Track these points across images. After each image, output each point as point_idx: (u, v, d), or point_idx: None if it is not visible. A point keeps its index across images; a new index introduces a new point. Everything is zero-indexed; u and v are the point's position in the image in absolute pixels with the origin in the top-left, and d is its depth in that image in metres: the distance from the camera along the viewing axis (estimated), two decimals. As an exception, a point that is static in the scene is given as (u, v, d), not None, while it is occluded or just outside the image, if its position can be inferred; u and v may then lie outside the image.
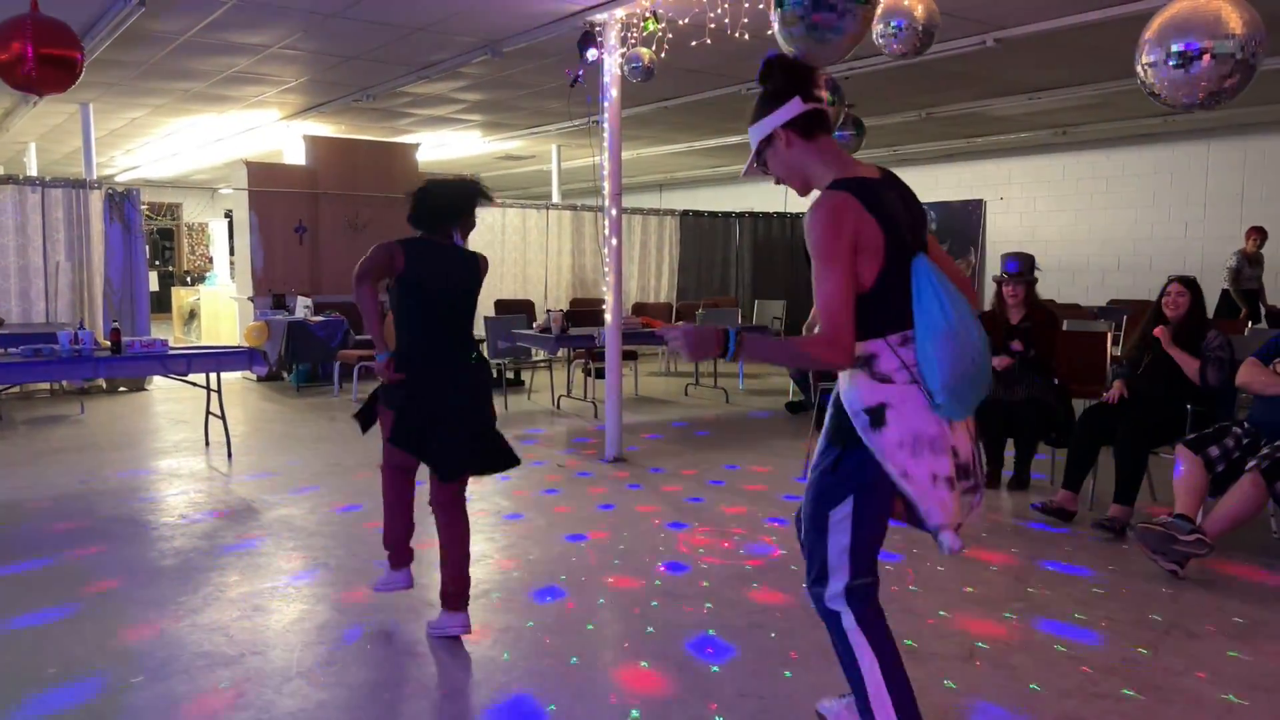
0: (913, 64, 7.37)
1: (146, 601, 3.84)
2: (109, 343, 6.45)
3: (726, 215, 14.76)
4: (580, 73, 6.26)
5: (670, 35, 5.74)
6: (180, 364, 6.38)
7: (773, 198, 16.87)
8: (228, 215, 19.05)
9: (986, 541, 4.71)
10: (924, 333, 2.10)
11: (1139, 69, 3.33)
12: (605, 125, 6.30)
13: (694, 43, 5.68)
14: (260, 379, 10.52)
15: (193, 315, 14.18)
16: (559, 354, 8.57)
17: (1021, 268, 5.92)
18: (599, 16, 6.11)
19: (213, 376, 6.68)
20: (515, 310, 11.44)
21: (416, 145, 11.99)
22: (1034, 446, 5.84)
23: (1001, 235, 14.01)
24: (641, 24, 5.75)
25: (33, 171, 12.97)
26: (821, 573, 2.26)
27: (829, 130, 2.22)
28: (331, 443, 7.21)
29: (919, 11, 4.32)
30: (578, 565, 4.32)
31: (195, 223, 21.13)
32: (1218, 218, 11.56)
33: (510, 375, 9.58)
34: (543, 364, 9.47)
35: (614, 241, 6.49)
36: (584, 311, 9.98)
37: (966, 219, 14.38)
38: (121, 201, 9.83)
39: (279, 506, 5.35)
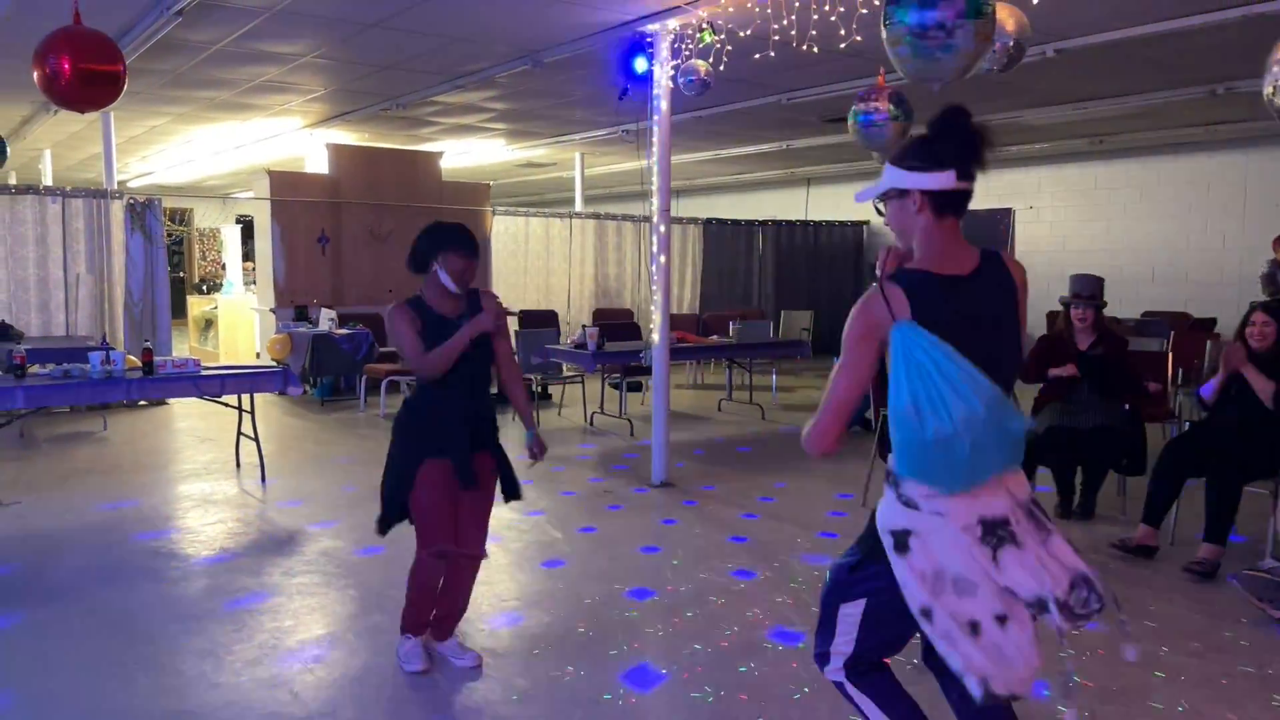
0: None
1: (199, 651, 3.62)
2: (139, 362, 6.25)
3: (749, 223, 14.55)
4: (629, 85, 6.04)
5: (729, 47, 5.53)
6: (214, 385, 6.17)
7: (794, 205, 16.67)
8: (240, 221, 18.86)
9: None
10: (891, 414, 1.97)
11: (1268, 87, 3.11)
12: (654, 138, 6.09)
13: (757, 55, 5.47)
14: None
15: (209, 324, 13.96)
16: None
17: (1091, 290, 5.68)
18: (650, 27, 5.90)
19: (245, 396, 6.48)
20: (539, 321, 11.24)
21: (440, 154, 11.78)
22: (1103, 476, 5.62)
23: (1031, 245, 13.77)
24: (697, 35, 5.53)
25: (48, 179, 12.77)
26: (824, 651, 2.20)
27: (960, 214, 2.05)
28: (365, 465, 6.99)
29: (1010, 25, 4.10)
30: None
31: (207, 228, 20.92)
32: (1258, 229, 11.31)
33: (538, 390, 9.37)
34: (574, 379, 9.24)
35: (663, 259, 6.27)
36: (617, 325, 9.76)
37: (994, 228, 14.17)
38: (143, 212, 9.62)
39: (322, 538, 5.14)
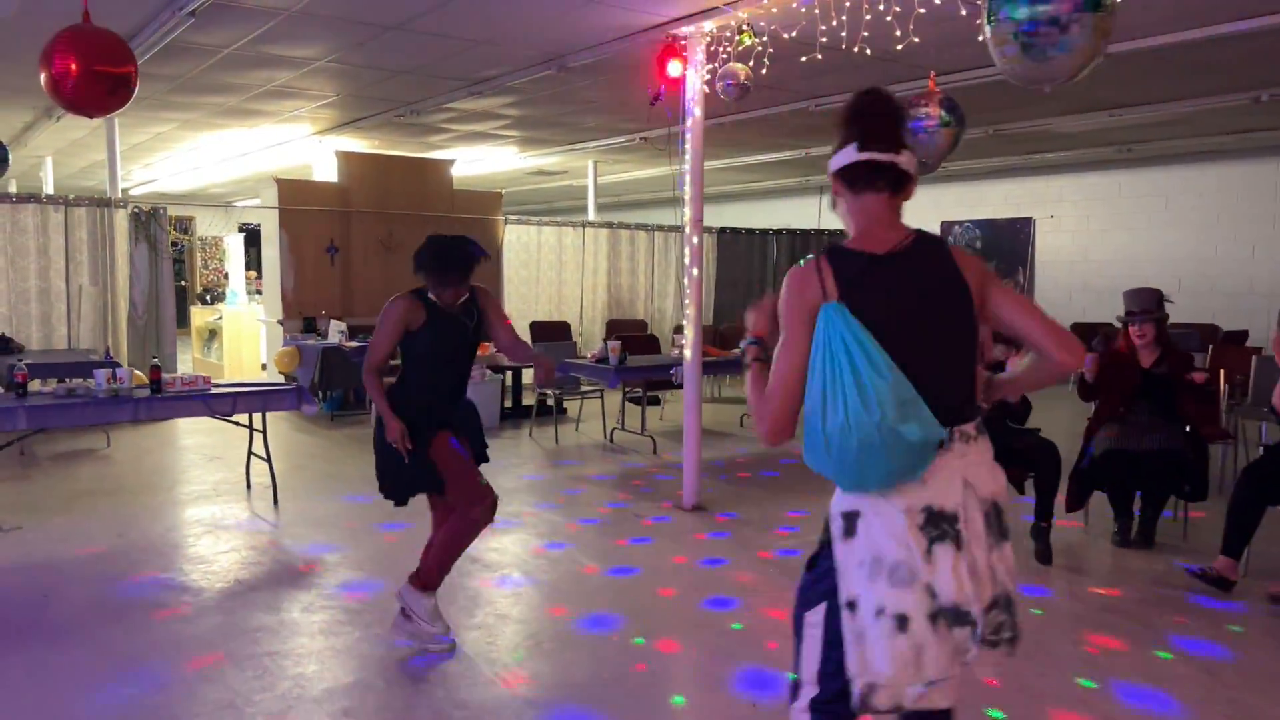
0: (995, 80, 6.91)
1: (217, 704, 3.32)
2: (146, 379, 5.96)
3: (763, 232, 14.29)
4: (662, 90, 5.76)
5: (771, 50, 5.26)
6: (226, 404, 5.88)
7: (807, 213, 16.42)
8: (243, 229, 18.59)
9: (1131, 612, 4.20)
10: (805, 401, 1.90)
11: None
12: (687, 145, 5.81)
13: (804, 58, 5.20)
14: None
15: (213, 335, 13.67)
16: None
17: (1148, 304, 5.40)
18: (684, 30, 5.62)
19: (256, 415, 6.19)
20: (553, 333, 10.96)
21: (452, 161, 11.51)
22: (1164, 502, 5.33)
23: (1052, 254, 13.53)
24: (737, 38, 5.26)
25: (50, 186, 12.50)
26: (796, 680, 2.03)
27: (878, 187, 1.96)
28: (381, 485, 6.70)
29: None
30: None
31: (209, 237, 20.64)
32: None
33: (551, 404, 9.09)
34: (592, 394, 8.95)
35: (695, 271, 5.99)
36: (636, 338, 9.48)
37: (1015, 237, 13.93)
38: (148, 220, 9.35)
39: (340, 568, 4.84)
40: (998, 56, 2.87)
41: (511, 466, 7.33)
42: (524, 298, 11.96)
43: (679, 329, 11.67)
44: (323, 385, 9.41)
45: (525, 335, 11.49)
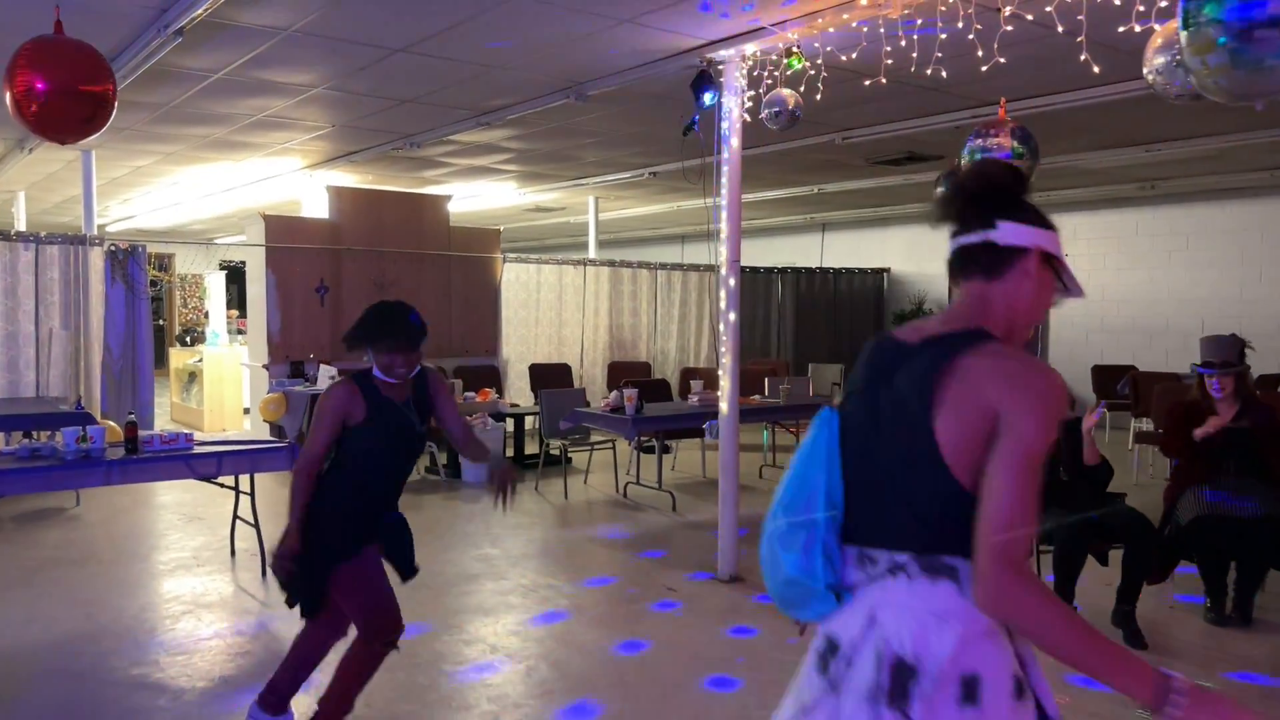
0: (1039, 110, 6.48)
1: None
2: (121, 433, 5.34)
3: (768, 270, 13.83)
4: (697, 119, 5.27)
5: (825, 74, 4.77)
6: (209, 465, 5.26)
7: (809, 251, 15.98)
8: (224, 267, 17.97)
9: (1261, 709, 3.64)
10: None
11: None
12: (724, 181, 5.31)
13: (867, 82, 4.72)
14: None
15: (192, 379, 12.99)
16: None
17: (1227, 355, 4.89)
18: (724, 53, 5.14)
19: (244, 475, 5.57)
20: (555, 377, 10.40)
21: (448, 197, 10.98)
22: (1263, 574, 4.80)
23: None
24: (785, 61, 4.77)
25: (21, 223, 11.85)
26: None
27: (953, 275, 1.68)
28: (381, 551, 6.08)
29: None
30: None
31: (189, 275, 19.98)
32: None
33: (557, 453, 8.50)
34: (603, 444, 8.35)
35: (732, 317, 5.46)
36: (648, 383, 8.92)
37: (1027, 276, 13.50)
38: (125, 259, 8.74)
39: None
40: (1197, 67, 2.37)
41: (521, 527, 6.73)
42: (523, 339, 11.41)
43: (690, 372, 11.17)
44: (312, 435, 8.77)
45: (524, 379, 10.97)
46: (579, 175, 10.52)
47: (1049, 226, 1.64)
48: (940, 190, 1.62)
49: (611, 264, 12.20)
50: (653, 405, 7.68)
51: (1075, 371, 11.40)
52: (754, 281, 13.54)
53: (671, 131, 7.49)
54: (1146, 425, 9.43)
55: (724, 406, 5.48)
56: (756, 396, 8.69)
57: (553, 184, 11.07)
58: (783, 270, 13.97)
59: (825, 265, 15.05)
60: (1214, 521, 4.64)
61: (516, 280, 11.40)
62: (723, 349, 5.46)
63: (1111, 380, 10.80)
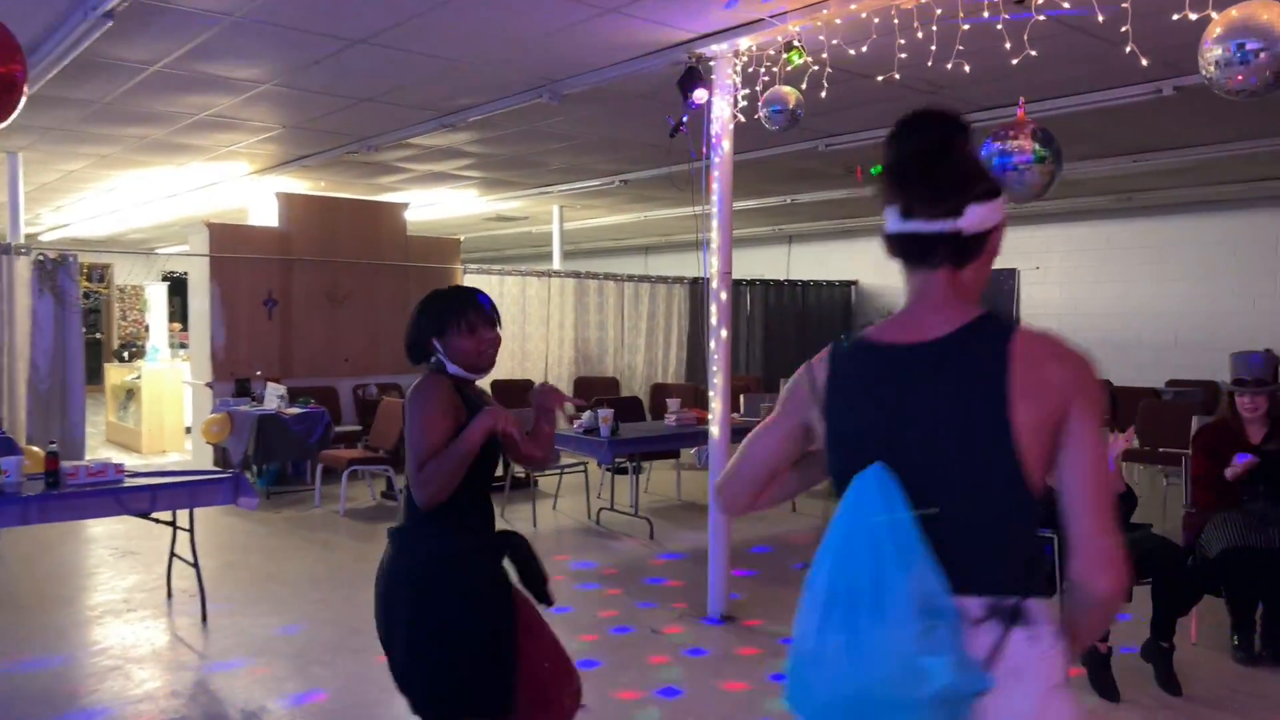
0: (1036, 116, 6.16)
1: None
2: (43, 463, 4.75)
3: (736, 282, 13.44)
4: (685, 120, 4.85)
5: (830, 70, 4.37)
6: (142, 500, 4.69)
7: (775, 263, 15.67)
8: (167, 278, 17.16)
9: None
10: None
11: None
12: (716, 186, 4.90)
13: (880, 77, 4.34)
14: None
15: (130, 396, 12.24)
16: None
17: (1262, 373, 4.59)
18: (715, 48, 4.72)
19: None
20: (516, 392, 9.91)
21: (405, 205, 10.45)
22: (1296, 606, 4.48)
23: (1038, 308, 12.95)
24: (784, 57, 4.37)
25: (-57, 231, 11.07)
26: None
27: (932, 262, 1.46)
28: (334, 588, 5.55)
29: (1281, 30, 3.00)
30: None
31: (128, 286, 19.09)
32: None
33: (523, 475, 8.01)
34: (573, 469, 7.86)
35: (724, 333, 5.04)
36: (622, 402, 8.46)
37: (998, 289, 13.33)
38: (54, 270, 8.08)
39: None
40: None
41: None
42: (484, 354, 10.89)
43: (662, 389, 10.74)
44: (258, 459, 8.18)
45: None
46: (544, 183, 10.06)
47: (999, 187, 1.47)
48: (886, 170, 1.39)
49: (577, 275, 11.75)
50: (627, 425, 7.24)
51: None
52: (722, 294, 13.16)
53: (648, 136, 7.09)
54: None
55: (715, 430, 5.04)
56: (735, 414, 8.26)
57: (516, 192, 10.59)
58: (751, 282, 13.63)
59: (794, 278, 14.74)
60: (1246, 554, 4.31)
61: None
62: (714, 367, 5.03)
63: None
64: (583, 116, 6.71)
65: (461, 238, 11.18)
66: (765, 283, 13.90)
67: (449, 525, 2.38)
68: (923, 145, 1.44)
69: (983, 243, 1.45)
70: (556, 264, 12.30)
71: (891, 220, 1.46)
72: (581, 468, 7.76)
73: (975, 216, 1.42)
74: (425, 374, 2.44)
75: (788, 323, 14.02)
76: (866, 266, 14.84)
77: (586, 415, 7.00)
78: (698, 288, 12.85)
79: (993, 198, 1.44)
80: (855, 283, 14.92)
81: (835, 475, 1.47)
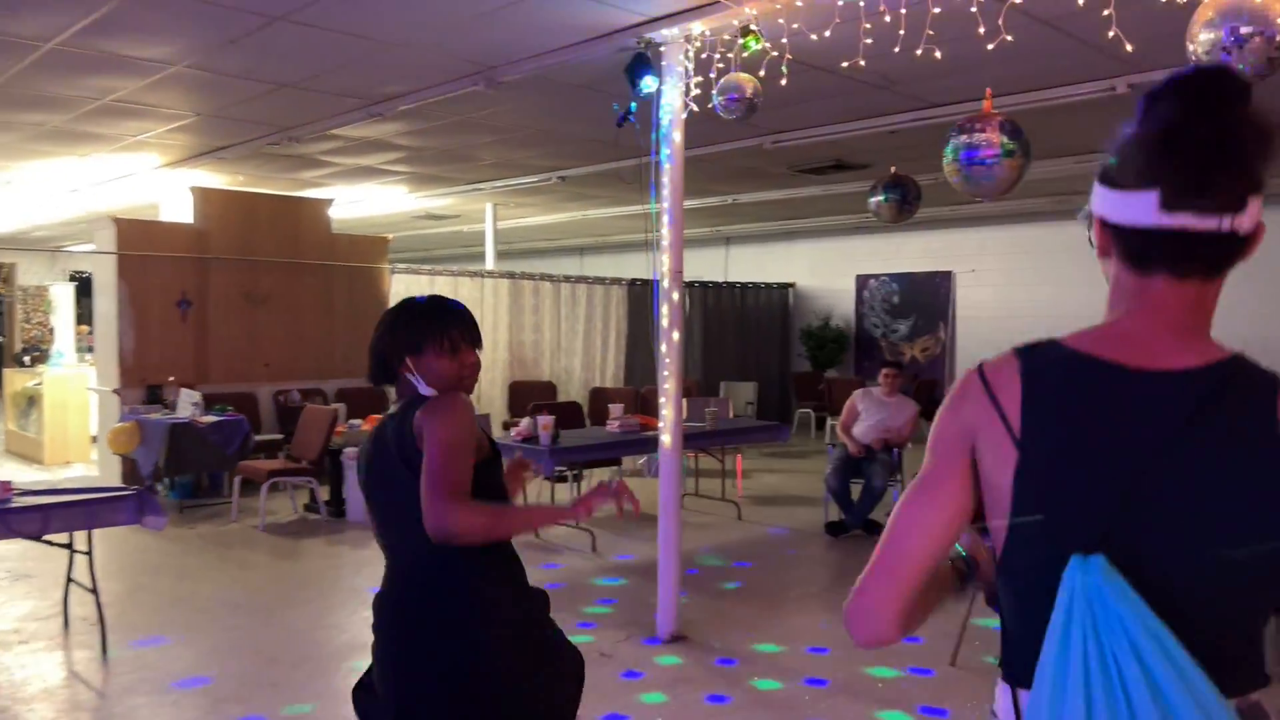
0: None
1: None
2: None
3: (674, 285, 13.21)
4: (633, 109, 4.56)
5: (789, 56, 4.12)
6: (32, 522, 4.21)
7: (713, 266, 15.46)
8: (75, 278, 16.25)
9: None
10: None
11: None
12: (666, 180, 4.62)
13: (845, 63, 4.09)
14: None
15: (31, 403, 11.45)
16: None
17: None
18: (666, 33, 4.44)
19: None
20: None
21: (329, 201, 9.95)
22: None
23: (973, 310, 13.01)
24: (740, 42, 4.11)
25: None
26: None
27: (1184, 270, 1.13)
28: (251, 612, 5.11)
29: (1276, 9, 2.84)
30: None
31: (31, 286, 18.03)
32: (1245, 290, 10.78)
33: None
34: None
35: (675, 335, 4.76)
36: (561, 408, 8.12)
37: (934, 291, 13.36)
38: (-59, 267, 7.41)
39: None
40: None
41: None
42: (415, 358, 10.44)
43: (601, 393, 10.43)
44: (169, 470, 7.65)
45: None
46: (477, 179, 9.67)
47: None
48: (1139, 142, 0.97)
49: (511, 276, 11.37)
50: (568, 433, 6.92)
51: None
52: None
53: (591, 129, 6.79)
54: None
55: (666, 438, 4.75)
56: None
57: (447, 188, 10.17)
58: (690, 284, 13.40)
59: (731, 280, 14.57)
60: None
61: (406, 293, 10.40)
62: (665, 371, 4.74)
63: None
64: (521, 107, 6.36)
65: (390, 237, 10.71)
66: (704, 285, 13.70)
67: (492, 560, 2.11)
68: (1210, 114, 1.08)
69: (1247, 246, 1.13)
70: (490, 264, 11.90)
71: (1141, 210, 1.10)
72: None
73: (1254, 212, 1.10)
74: (449, 395, 2.09)
75: (727, 325, 13.85)
76: (803, 269, 14.77)
77: (525, 422, 6.66)
78: (636, 289, 12.59)
79: (1264, 189, 1.13)
80: (793, 285, 14.83)
81: (1030, 539, 1.11)
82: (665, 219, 4.63)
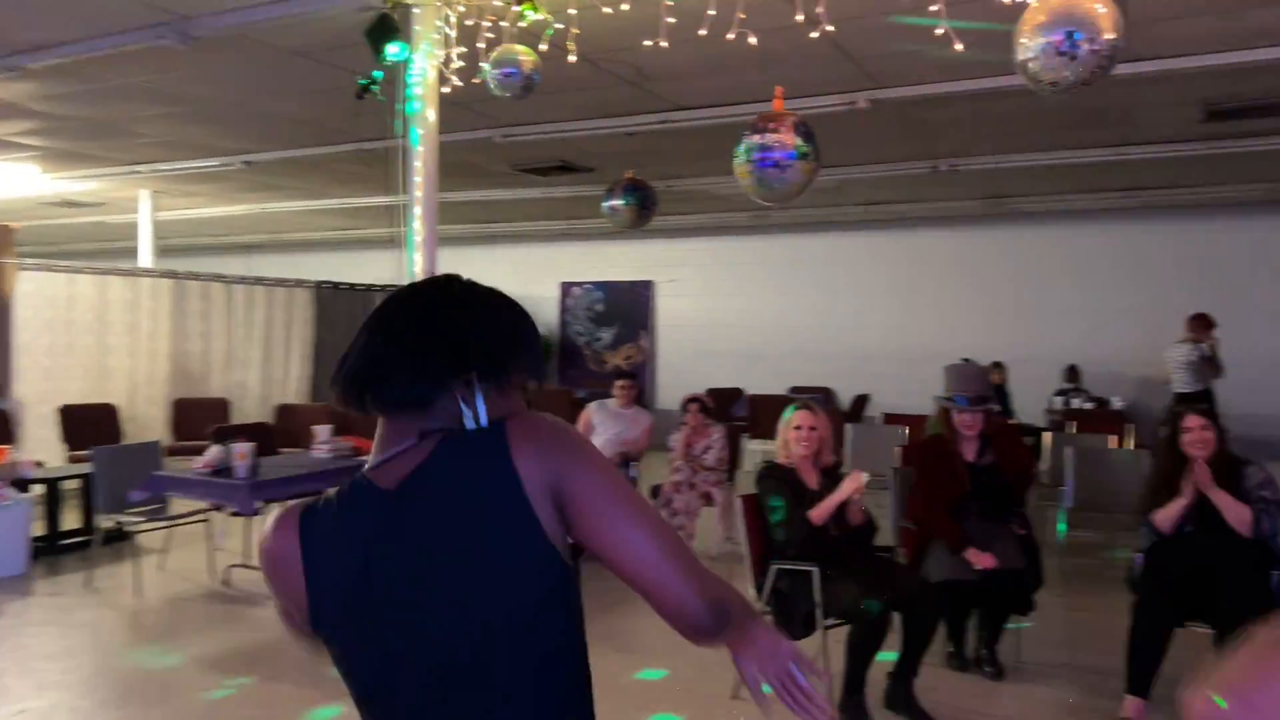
0: (716, 123, 5.95)
1: None
2: None
3: (367, 288, 12.13)
4: (377, 78, 3.82)
5: (576, 30, 3.56)
6: None
7: (391, 268, 14.44)
8: None
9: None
10: None
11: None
12: (414, 165, 3.91)
13: (647, 42, 3.54)
14: None
15: None
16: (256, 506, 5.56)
17: (979, 390, 4.59)
18: (418, -10, 3.75)
19: None
20: (93, 421, 8.00)
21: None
22: (1006, 620, 4.52)
23: (674, 319, 13.28)
24: (516, 10, 3.52)
25: None
26: None
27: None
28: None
29: (1106, 23, 2.77)
30: None
31: None
32: (887, 307, 11.79)
33: (116, 529, 6.25)
34: (190, 519, 6.18)
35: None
36: (248, 429, 6.92)
37: (636, 300, 13.43)
38: None
39: None
40: None
41: (67, 653, 4.59)
42: (49, 372, 8.60)
43: (289, 410, 9.17)
44: None
45: (50, 427, 8.22)
46: (133, 159, 8.12)
47: None
48: None
49: (174, 276, 9.75)
50: (266, 461, 5.86)
51: (674, 401, 11.41)
52: (351, 300, 11.78)
53: (298, 106, 5.82)
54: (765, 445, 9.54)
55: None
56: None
57: (93, 169, 8.47)
58: (384, 288, 12.37)
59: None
60: (963, 585, 4.25)
61: (38, 293, 8.56)
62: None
63: (730, 403, 10.99)
64: (211, 73, 5.25)
65: (20, 225, 8.71)
66: (387, 289, 12.73)
67: None
68: None
69: None
70: (147, 260, 10.15)
71: None
72: (200, 517, 6.15)
73: None
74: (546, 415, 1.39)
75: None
76: (505, 274, 14.25)
77: (215, 451, 5.52)
78: (325, 292, 11.40)
79: None
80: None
81: None
82: (417, 210, 3.92)
